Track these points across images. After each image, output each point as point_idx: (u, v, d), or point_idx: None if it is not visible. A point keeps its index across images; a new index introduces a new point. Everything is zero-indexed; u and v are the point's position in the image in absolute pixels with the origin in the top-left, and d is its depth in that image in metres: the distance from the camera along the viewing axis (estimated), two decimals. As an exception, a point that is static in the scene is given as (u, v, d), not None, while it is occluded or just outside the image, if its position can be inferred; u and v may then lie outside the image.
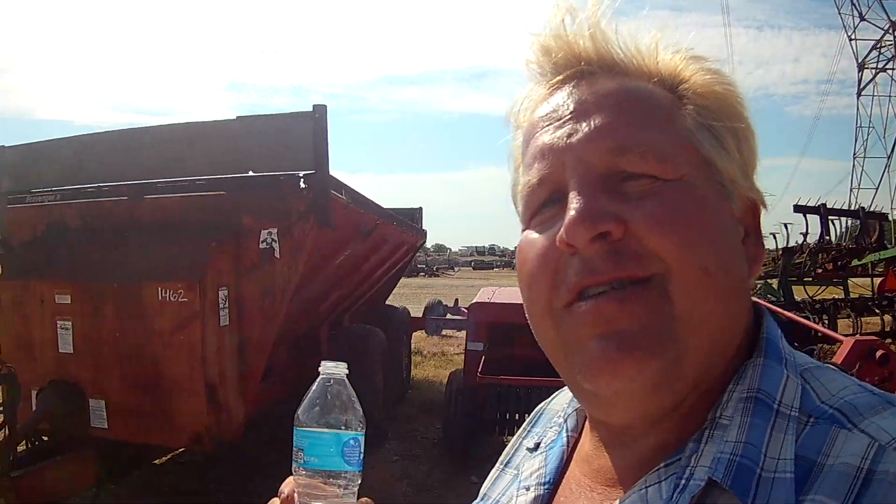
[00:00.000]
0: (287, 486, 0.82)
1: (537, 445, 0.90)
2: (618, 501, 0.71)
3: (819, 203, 14.44)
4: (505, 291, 7.98)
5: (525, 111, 0.80)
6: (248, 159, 5.06)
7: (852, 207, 18.43)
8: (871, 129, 57.32)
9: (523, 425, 0.98)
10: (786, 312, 7.00)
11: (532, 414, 0.99)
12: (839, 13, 54.88)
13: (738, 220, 0.75)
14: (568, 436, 0.87)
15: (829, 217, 14.55)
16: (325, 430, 0.82)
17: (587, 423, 0.84)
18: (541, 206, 0.75)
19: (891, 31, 52.85)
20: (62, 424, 4.97)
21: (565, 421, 0.89)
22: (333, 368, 0.86)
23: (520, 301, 0.79)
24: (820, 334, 6.57)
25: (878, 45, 55.43)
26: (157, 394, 4.82)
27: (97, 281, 4.97)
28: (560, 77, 0.76)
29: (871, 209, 17.55)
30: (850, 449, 0.61)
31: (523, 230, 0.78)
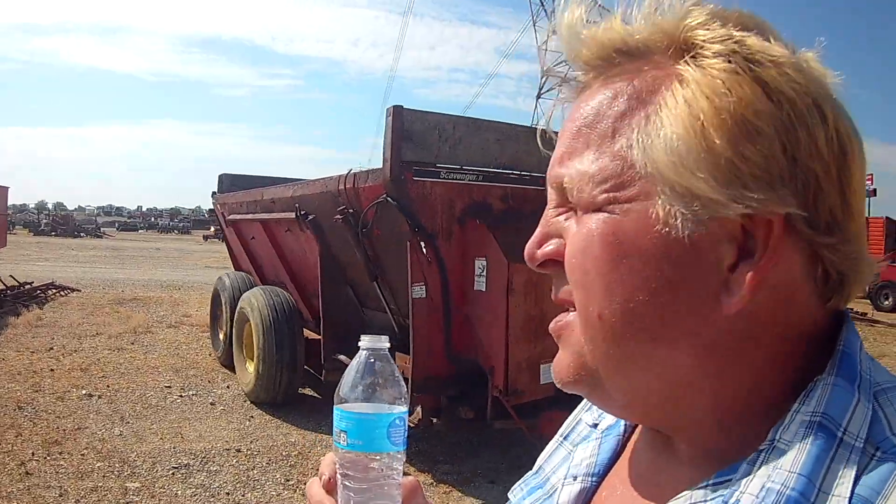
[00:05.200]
0: (327, 466, 0.82)
1: (596, 425, 0.87)
2: None
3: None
4: None
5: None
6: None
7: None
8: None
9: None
10: None
11: None
12: (534, 23, 61.51)
13: (713, 244, 0.62)
14: (626, 424, 0.83)
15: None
16: (371, 411, 0.80)
17: None
18: None
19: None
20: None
21: None
22: (375, 342, 0.83)
23: None
24: None
25: (572, 58, 65.40)
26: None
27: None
28: (579, 87, 0.72)
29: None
30: None
31: None
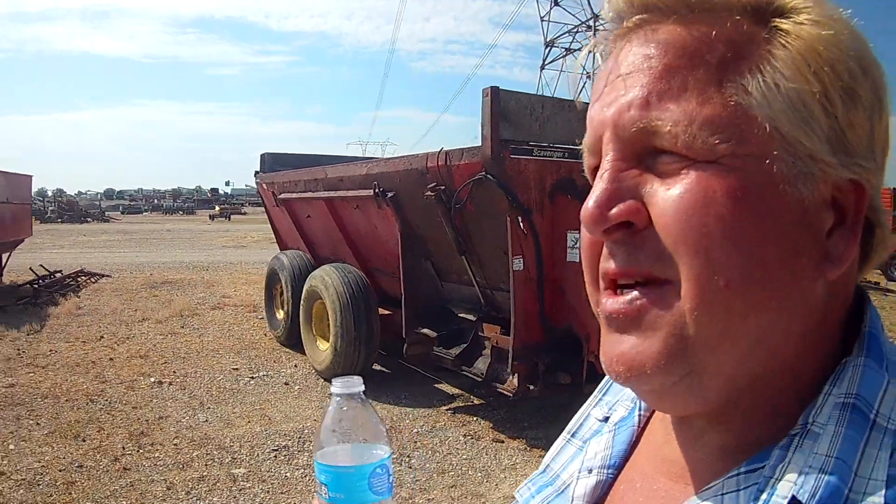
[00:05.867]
0: None
1: (607, 419, 0.83)
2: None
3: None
4: None
5: (598, 60, 0.68)
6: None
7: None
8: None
9: (594, 393, 0.89)
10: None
11: (604, 381, 0.88)
12: (536, -4, 61.38)
13: (818, 208, 0.59)
14: (640, 415, 0.80)
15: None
16: (350, 463, 0.77)
17: None
18: (591, 172, 0.68)
19: (592, 21, 59.33)
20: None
21: (638, 398, 0.79)
22: (346, 386, 0.80)
23: None
24: None
25: (574, 31, 63.77)
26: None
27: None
28: (628, 26, 0.65)
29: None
30: None
31: None
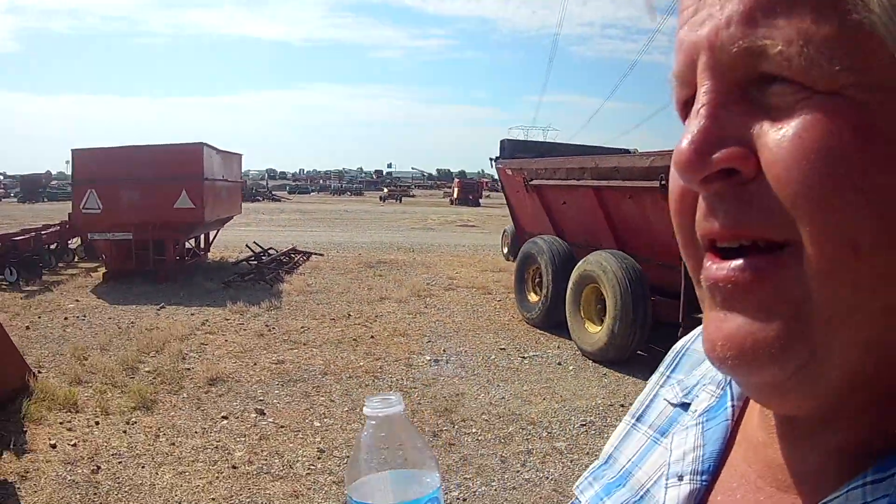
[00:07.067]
0: None
1: (685, 405, 0.71)
2: None
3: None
4: None
5: None
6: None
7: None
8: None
9: (659, 369, 0.77)
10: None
11: (669, 355, 0.77)
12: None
13: None
14: (733, 405, 0.66)
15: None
16: (393, 500, 0.66)
17: None
18: (683, 106, 0.54)
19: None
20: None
21: (728, 384, 0.66)
22: (382, 406, 0.69)
23: None
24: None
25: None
26: None
27: None
28: None
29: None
30: None
31: None
